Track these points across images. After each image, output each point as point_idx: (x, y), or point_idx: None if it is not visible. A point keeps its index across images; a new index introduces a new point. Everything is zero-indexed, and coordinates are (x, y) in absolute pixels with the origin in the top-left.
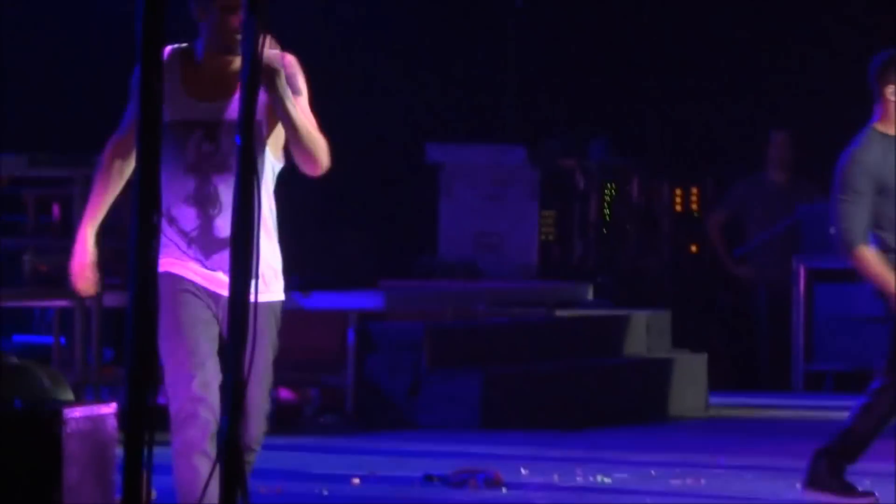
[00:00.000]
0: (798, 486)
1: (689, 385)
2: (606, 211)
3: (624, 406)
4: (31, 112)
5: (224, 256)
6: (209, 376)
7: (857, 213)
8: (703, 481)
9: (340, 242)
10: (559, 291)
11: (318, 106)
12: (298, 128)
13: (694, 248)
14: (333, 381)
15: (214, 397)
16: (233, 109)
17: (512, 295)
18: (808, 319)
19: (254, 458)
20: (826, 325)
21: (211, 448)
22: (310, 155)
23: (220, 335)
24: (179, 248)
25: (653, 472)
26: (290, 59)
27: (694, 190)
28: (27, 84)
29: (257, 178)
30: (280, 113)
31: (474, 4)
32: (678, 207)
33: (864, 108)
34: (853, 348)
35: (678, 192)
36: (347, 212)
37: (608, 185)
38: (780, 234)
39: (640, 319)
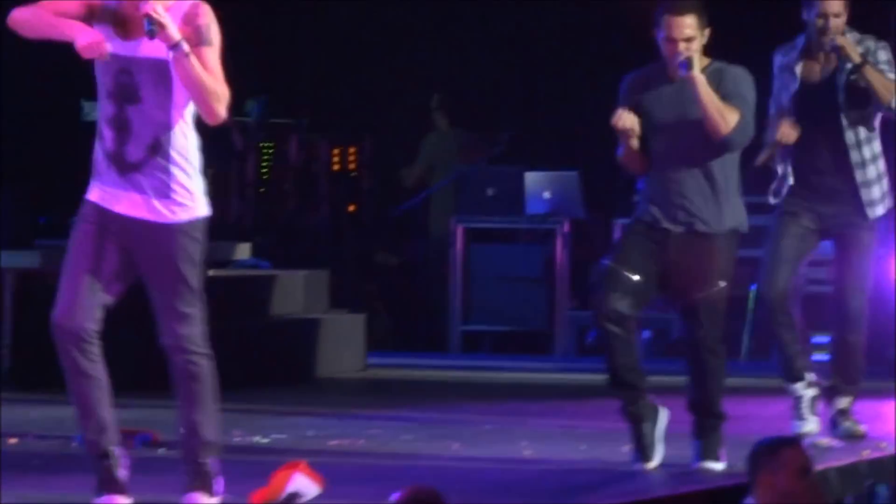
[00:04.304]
0: (455, 445)
1: (347, 345)
2: (264, 170)
3: (281, 366)
4: None
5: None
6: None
7: None
8: (361, 441)
9: None
10: (215, 251)
11: None
12: (192, 77)
13: (352, 208)
14: None
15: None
16: (147, 48)
17: None
18: (465, 279)
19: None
20: (483, 285)
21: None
22: (205, 104)
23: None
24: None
25: (310, 432)
26: (203, 9)
27: (352, 150)
28: None
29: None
30: (172, 62)
31: None
32: (336, 167)
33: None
34: (509, 309)
35: (336, 151)
36: (1, 171)
37: (266, 144)
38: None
39: (297, 279)
